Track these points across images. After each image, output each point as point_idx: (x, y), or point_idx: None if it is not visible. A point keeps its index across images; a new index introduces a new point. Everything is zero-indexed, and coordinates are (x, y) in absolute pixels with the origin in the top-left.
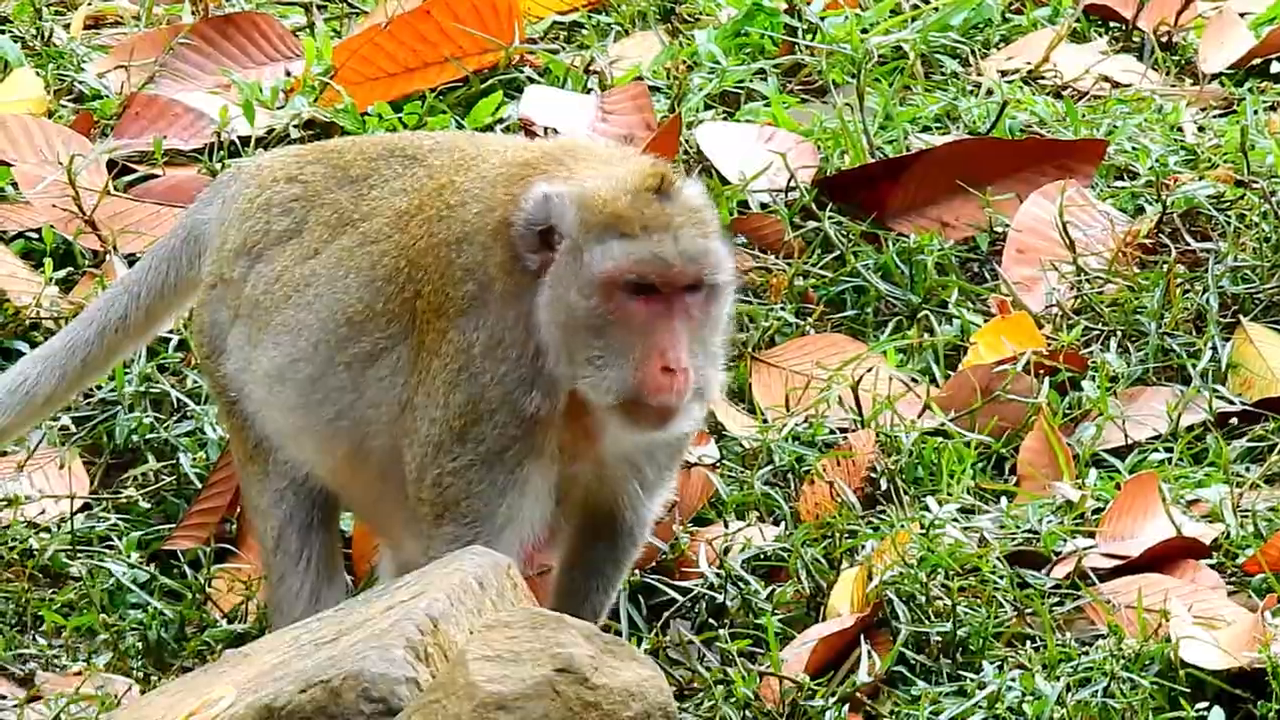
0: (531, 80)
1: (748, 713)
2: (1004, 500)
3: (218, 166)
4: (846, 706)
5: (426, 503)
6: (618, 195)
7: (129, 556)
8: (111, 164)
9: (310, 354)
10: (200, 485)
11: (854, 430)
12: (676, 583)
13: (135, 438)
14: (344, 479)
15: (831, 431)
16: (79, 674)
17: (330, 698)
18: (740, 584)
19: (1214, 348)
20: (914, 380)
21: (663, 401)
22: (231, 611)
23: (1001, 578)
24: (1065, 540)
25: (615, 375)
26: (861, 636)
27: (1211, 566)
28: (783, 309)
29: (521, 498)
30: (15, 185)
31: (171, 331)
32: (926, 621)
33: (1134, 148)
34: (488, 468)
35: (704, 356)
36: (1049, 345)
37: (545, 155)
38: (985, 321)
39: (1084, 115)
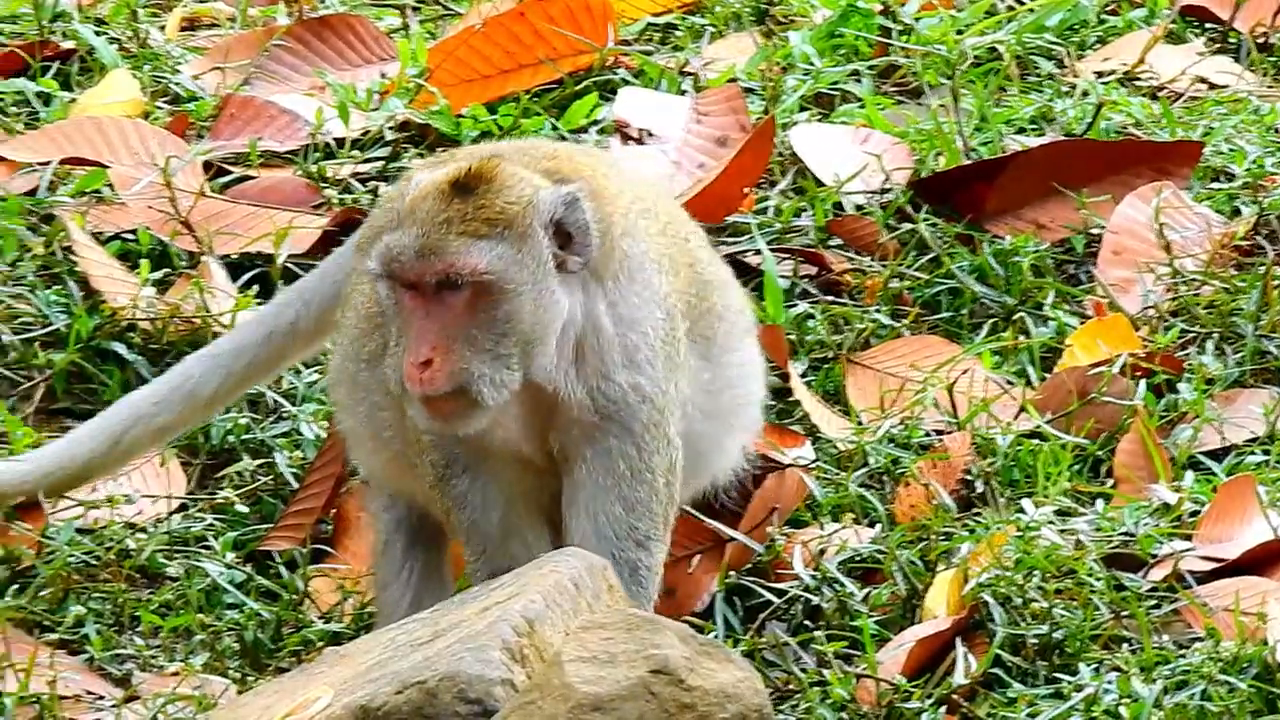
0: (626, 82)
1: (843, 715)
2: (1100, 503)
3: (312, 168)
4: (943, 709)
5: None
6: (419, 190)
7: (225, 557)
8: (207, 165)
9: (348, 351)
10: (296, 485)
11: (949, 432)
12: (772, 584)
13: (231, 438)
14: (398, 485)
15: (927, 434)
16: (176, 674)
17: (426, 699)
18: (836, 586)
19: None
20: (1009, 382)
21: (414, 394)
22: (328, 612)
23: (1098, 580)
24: (1162, 543)
25: (393, 365)
26: (957, 639)
27: None
28: (878, 311)
29: (501, 507)
30: (111, 187)
31: None
32: (1023, 624)
33: (1230, 149)
34: (443, 480)
35: (473, 355)
36: (1145, 347)
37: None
38: (1081, 323)
39: (1180, 117)
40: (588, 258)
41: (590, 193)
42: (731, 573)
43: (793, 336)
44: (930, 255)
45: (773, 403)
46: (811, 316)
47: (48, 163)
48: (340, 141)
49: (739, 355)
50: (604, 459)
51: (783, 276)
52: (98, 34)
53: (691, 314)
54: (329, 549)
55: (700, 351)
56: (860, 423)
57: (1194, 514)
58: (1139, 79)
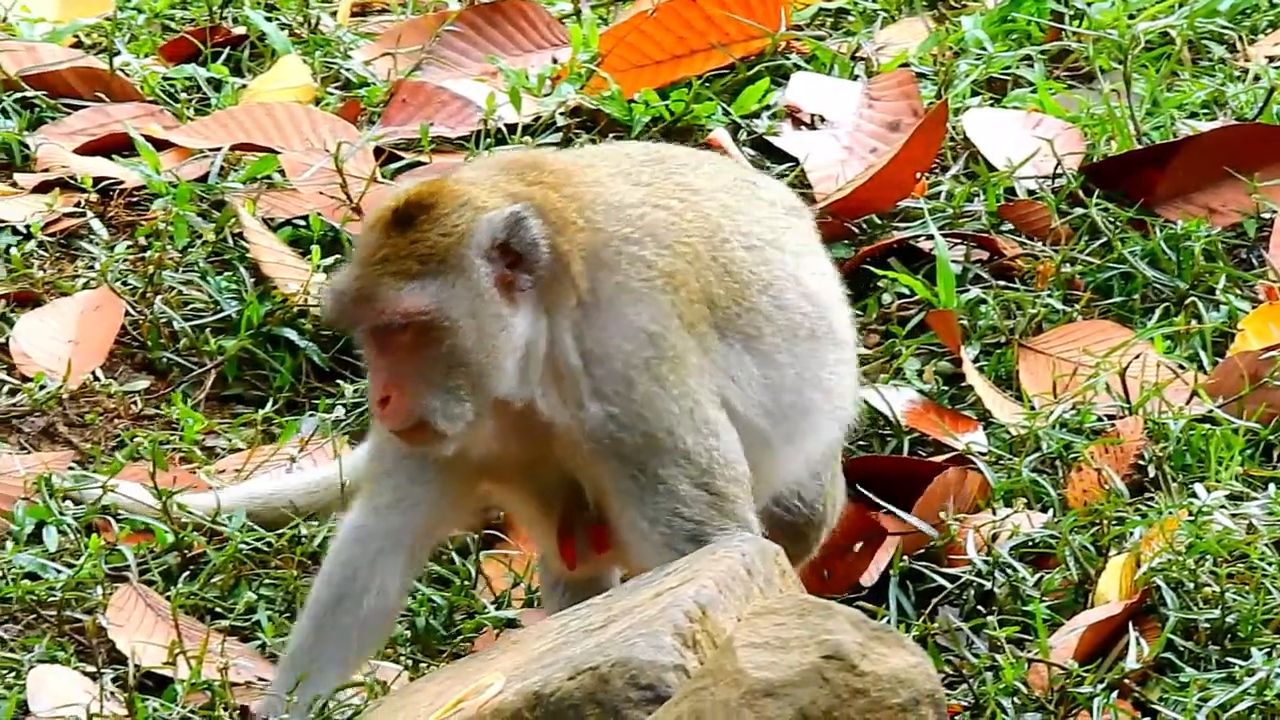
0: (798, 67)
1: (1015, 700)
2: (1272, 487)
3: (484, 154)
4: (1115, 693)
5: None
6: (367, 220)
7: None
8: (378, 151)
9: None
10: None
11: (1122, 417)
12: (945, 570)
13: None
14: None
15: (1099, 418)
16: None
17: (599, 684)
18: (1008, 571)
19: None
20: (1181, 367)
21: (382, 427)
22: (500, 598)
23: (1270, 564)
24: None
25: (368, 398)
26: (1130, 623)
27: None
28: (1049, 296)
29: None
30: (283, 173)
31: None
32: (1195, 608)
33: None
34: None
35: (425, 390)
36: None
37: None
38: (1252, 308)
39: None
40: (537, 275)
41: (549, 219)
42: (905, 557)
43: (965, 321)
44: (1102, 240)
45: (945, 388)
46: (984, 301)
47: (219, 149)
48: (512, 127)
49: (797, 358)
50: (612, 482)
51: (955, 261)
52: (269, 19)
53: (721, 315)
54: (500, 534)
55: (746, 348)
56: (1032, 407)
57: None
58: None
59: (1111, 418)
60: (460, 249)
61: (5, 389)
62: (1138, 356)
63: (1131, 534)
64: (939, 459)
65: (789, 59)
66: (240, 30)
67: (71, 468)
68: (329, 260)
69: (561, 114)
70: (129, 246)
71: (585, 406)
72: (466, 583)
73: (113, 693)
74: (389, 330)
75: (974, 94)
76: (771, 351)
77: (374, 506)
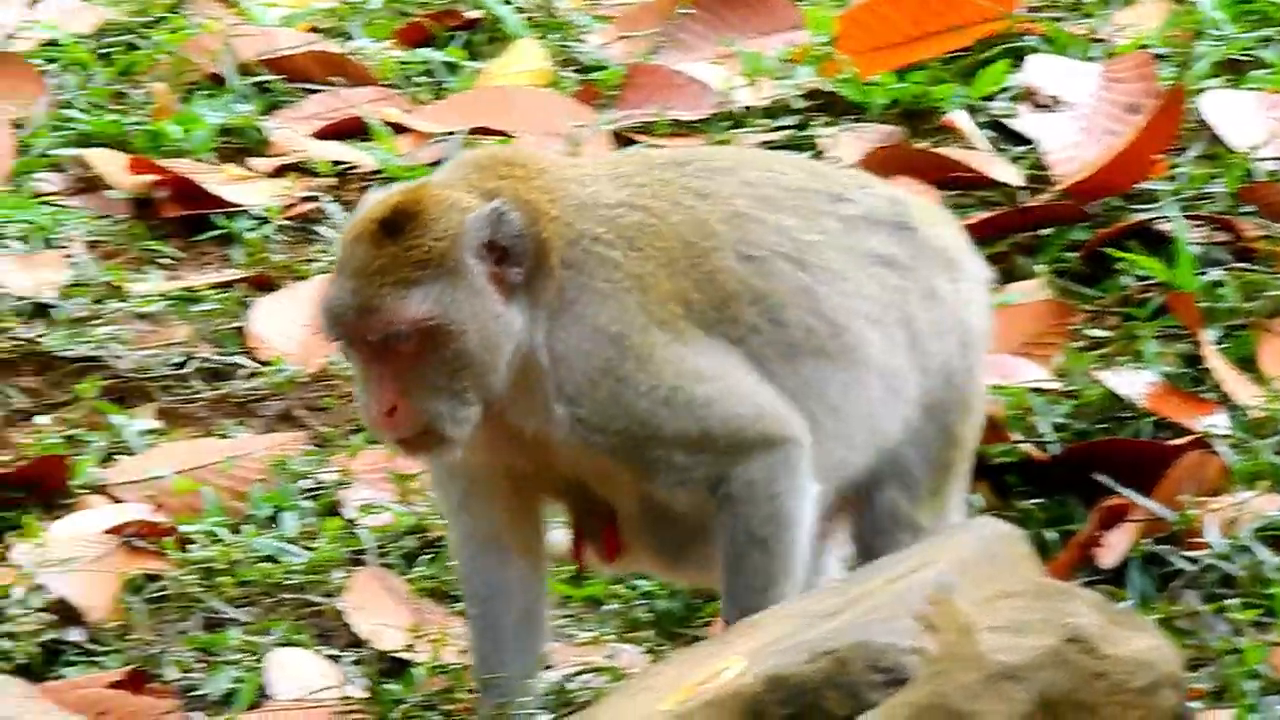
0: (1035, 49)
1: (1258, 683)
2: None
3: (720, 137)
4: None
5: None
6: (350, 232)
7: None
8: (614, 135)
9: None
10: None
11: None
12: (1185, 553)
13: None
14: None
15: None
16: (588, 644)
17: (838, 668)
18: (1249, 554)
19: None
20: None
21: (385, 438)
22: None
23: None
24: None
25: (363, 408)
26: None
27: None
28: None
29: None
30: None
31: None
32: None
33: None
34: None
35: (431, 396)
36: None
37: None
38: None
39: None
40: (524, 266)
41: (525, 210)
42: (1144, 541)
43: (1205, 304)
44: None
45: (1185, 370)
46: (1223, 284)
47: (455, 133)
48: (748, 110)
49: (789, 373)
50: (614, 473)
51: (1194, 244)
52: (504, 3)
53: (699, 318)
54: None
55: (728, 350)
56: (1274, 390)
57: None
58: None
59: None
60: (455, 251)
61: (243, 373)
62: None
63: None
64: (1179, 442)
65: (1026, 41)
66: (476, 14)
67: (309, 451)
68: None
69: (798, 97)
70: None
71: (552, 409)
72: None
73: (352, 676)
74: (393, 340)
75: (1213, 75)
76: (760, 362)
77: (461, 515)
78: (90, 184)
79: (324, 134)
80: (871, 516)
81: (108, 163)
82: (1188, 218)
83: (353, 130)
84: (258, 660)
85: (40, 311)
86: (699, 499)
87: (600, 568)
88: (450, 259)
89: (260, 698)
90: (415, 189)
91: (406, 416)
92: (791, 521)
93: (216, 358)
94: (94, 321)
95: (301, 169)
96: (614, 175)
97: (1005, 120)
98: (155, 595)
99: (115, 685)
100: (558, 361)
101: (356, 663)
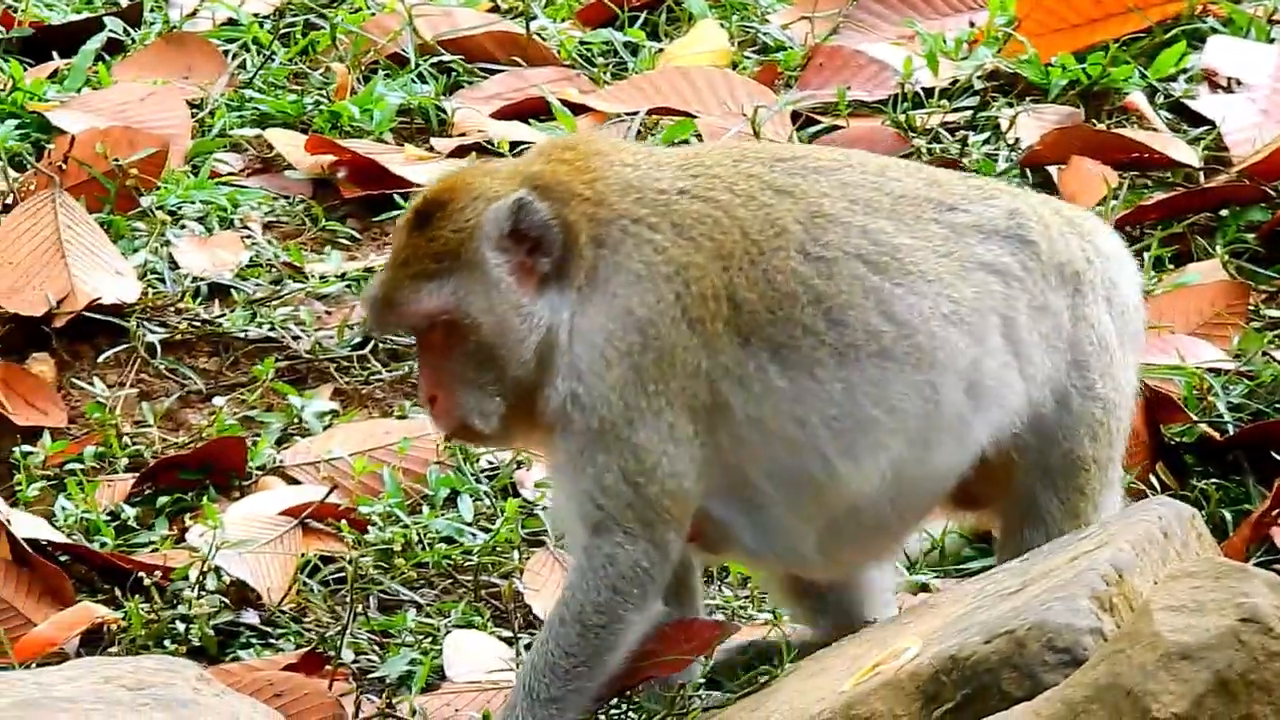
0: (1215, 30)
1: None
2: None
3: (901, 118)
4: None
5: None
6: (399, 221)
7: None
8: (795, 115)
9: None
10: None
11: None
12: None
13: None
14: None
15: None
16: (765, 624)
17: (1014, 648)
18: None
19: None
20: None
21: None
22: (914, 563)
23: None
24: None
25: None
26: None
27: None
28: None
29: None
30: (699, 137)
31: None
32: None
33: None
34: None
35: (462, 390)
36: None
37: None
38: None
39: None
40: (553, 256)
41: (555, 194)
42: None
43: None
44: None
45: None
46: None
47: (636, 113)
48: (929, 91)
49: (850, 375)
50: (554, 455)
51: None
52: None
53: (747, 319)
54: None
55: (775, 356)
56: None
57: None
58: None
59: None
60: (471, 244)
61: None
62: None
63: None
64: None
65: (1206, 23)
66: None
67: None
68: None
69: (979, 78)
70: None
71: (556, 385)
72: None
73: None
74: (419, 333)
75: None
76: (809, 364)
77: None
78: (269, 164)
79: (504, 114)
80: (1008, 554)
81: (287, 143)
82: None
83: (533, 110)
84: (435, 642)
85: (218, 292)
86: (576, 530)
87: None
88: (467, 251)
89: (437, 679)
90: (453, 176)
91: (444, 411)
92: (623, 622)
93: (394, 339)
94: (272, 302)
95: (482, 149)
96: (686, 164)
97: (1184, 101)
98: (332, 577)
99: (290, 668)
100: (578, 337)
101: (530, 645)
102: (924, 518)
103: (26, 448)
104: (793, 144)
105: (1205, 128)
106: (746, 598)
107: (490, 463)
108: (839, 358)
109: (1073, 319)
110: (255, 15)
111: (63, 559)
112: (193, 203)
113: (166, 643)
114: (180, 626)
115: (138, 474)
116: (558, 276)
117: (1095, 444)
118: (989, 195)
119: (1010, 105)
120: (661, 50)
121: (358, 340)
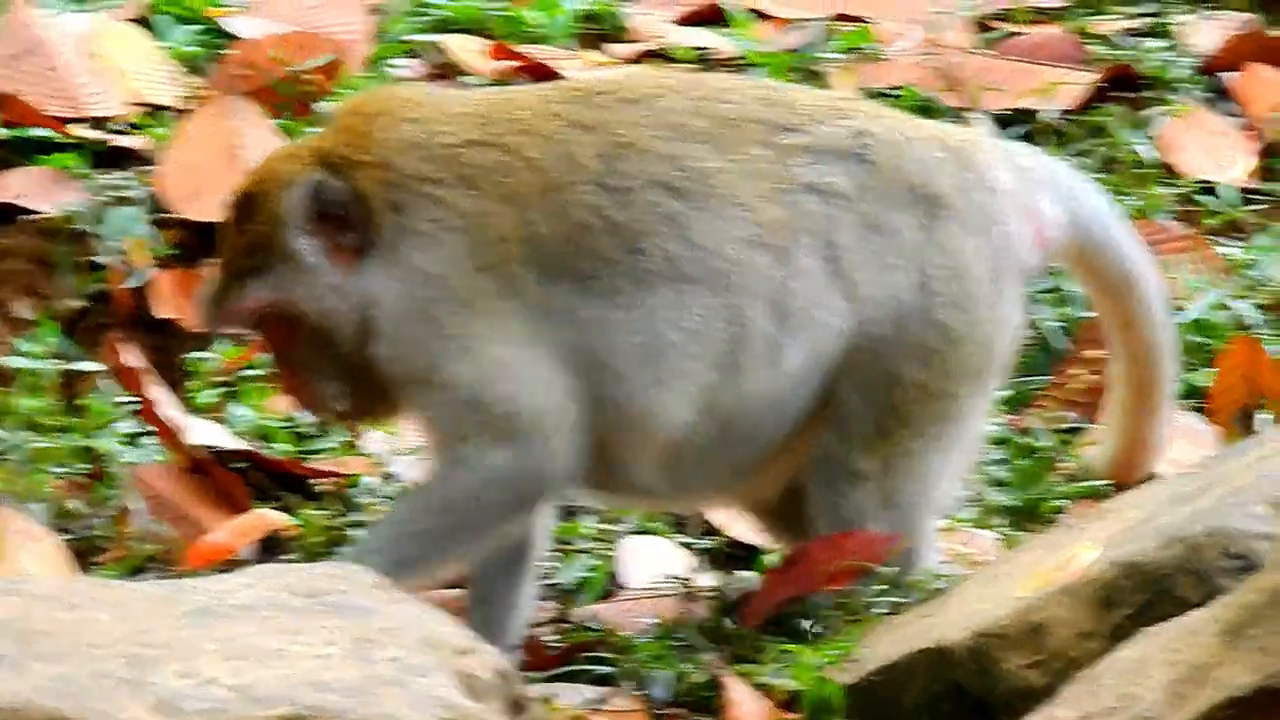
0: None
1: None
2: None
3: (1080, 25)
4: None
5: None
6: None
7: None
8: (976, 22)
9: None
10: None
11: None
12: None
13: None
14: None
15: None
16: (944, 530)
17: (1190, 553)
18: None
19: None
20: None
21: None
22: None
23: None
24: None
25: None
26: None
27: None
28: None
29: None
30: (879, 43)
31: None
32: None
33: None
34: None
35: (308, 378)
36: None
37: None
38: None
39: None
40: (358, 230)
41: (345, 167)
42: None
43: None
44: None
45: None
46: None
47: (815, 19)
48: None
49: (649, 301)
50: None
51: None
52: None
53: (547, 255)
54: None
55: (580, 289)
56: None
57: None
58: None
59: None
60: (281, 234)
61: None
62: None
63: None
64: None
65: None
66: None
67: None
68: None
69: None
70: None
71: (376, 352)
72: (1053, 454)
73: (704, 565)
74: (255, 329)
75: None
76: (611, 294)
77: None
78: (449, 70)
79: (685, 20)
80: (807, 462)
81: (466, 48)
82: None
83: (713, 17)
84: (610, 549)
85: None
86: (435, 448)
87: None
88: (279, 242)
89: (614, 586)
90: (265, 164)
91: (304, 398)
92: (476, 522)
93: None
94: None
95: (661, 55)
96: (482, 112)
97: None
98: None
99: None
100: (380, 301)
101: (707, 551)
102: (774, 448)
103: (200, 354)
104: (622, 75)
105: None
106: None
107: None
108: (638, 285)
109: (922, 240)
110: None
111: (237, 466)
112: None
113: (343, 549)
114: (357, 534)
115: None
116: (367, 249)
117: (926, 369)
118: (841, 116)
119: (1189, 11)
120: None
121: None
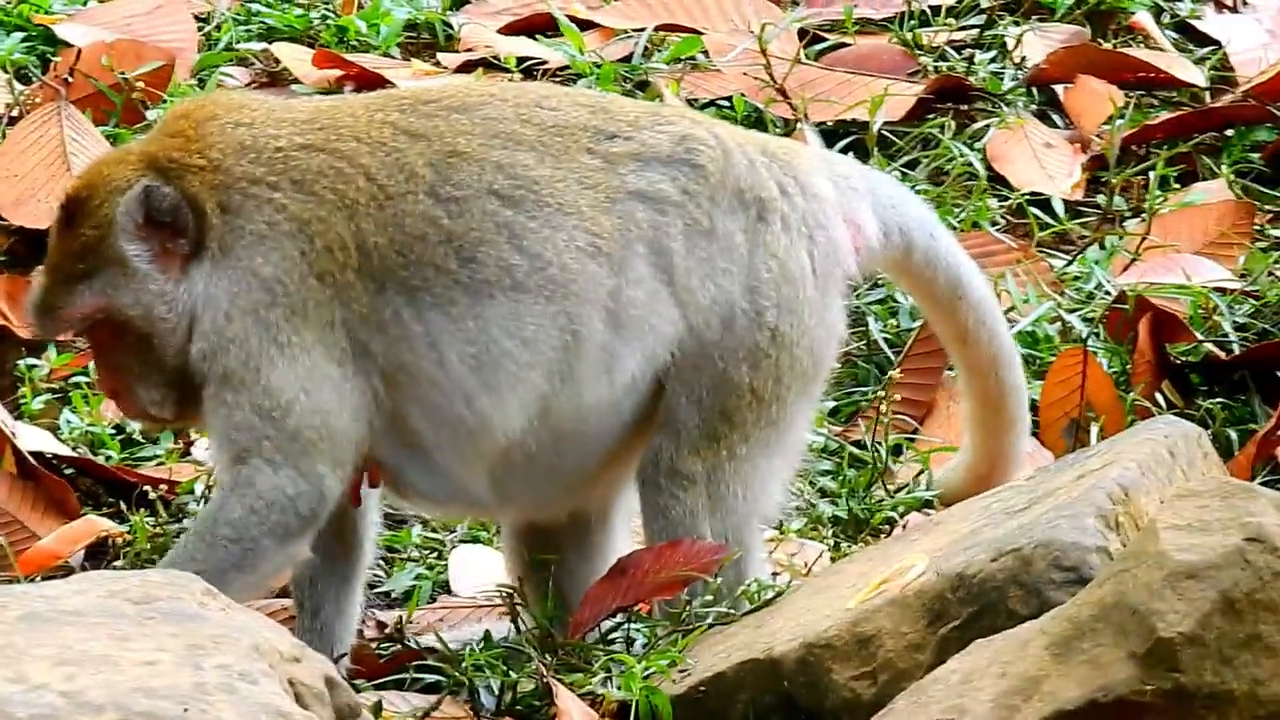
0: None
1: None
2: None
3: (908, 36)
4: None
5: None
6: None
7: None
8: (803, 33)
9: None
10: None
11: None
12: None
13: None
14: None
15: None
16: (773, 540)
17: (1021, 566)
18: None
19: None
20: None
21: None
22: (903, 485)
23: None
24: None
25: None
26: None
27: None
28: None
29: None
30: (706, 53)
31: None
32: None
33: None
34: None
35: (131, 382)
36: None
37: None
38: None
39: None
40: (189, 235)
41: (176, 171)
42: None
43: None
44: None
45: None
46: None
47: (643, 29)
48: (936, 9)
49: (484, 311)
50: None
51: None
52: None
53: (379, 265)
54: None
55: (410, 300)
56: None
57: None
58: None
59: None
60: (110, 239)
61: None
62: None
63: None
64: None
65: None
66: None
67: None
68: None
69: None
70: None
71: (191, 351)
72: (880, 468)
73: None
74: (83, 333)
75: None
76: (444, 304)
77: None
78: (276, 78)
79: (511, 29)
80: (641, 464)
81: (294, 57)
82: None
83: (541, 26)
84: (440, 557)
85: None
86: (221, 462)
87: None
88: (107, 248)
89: (443, 595)
90: (93, 167)
91: (122, 401)
92: (258, 545)
93: None
94: None
95: (489, 64)
96: (313, 118)
97: (1190, 21)
98: None
99: None
100: (208, 303)
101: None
102: (606, 456)
103: (31, 360)
104: (445, 85)
105: (1211, 48)
106: None
107: None
108: (472, 295)
109: (750, 244)
110: None
111: (68, 472)
112: None
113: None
114: None
115: None
116: (198, 253)
117: (755, 373)
118: (663, 122)
119: (1017, 24)
120: None
121: None
